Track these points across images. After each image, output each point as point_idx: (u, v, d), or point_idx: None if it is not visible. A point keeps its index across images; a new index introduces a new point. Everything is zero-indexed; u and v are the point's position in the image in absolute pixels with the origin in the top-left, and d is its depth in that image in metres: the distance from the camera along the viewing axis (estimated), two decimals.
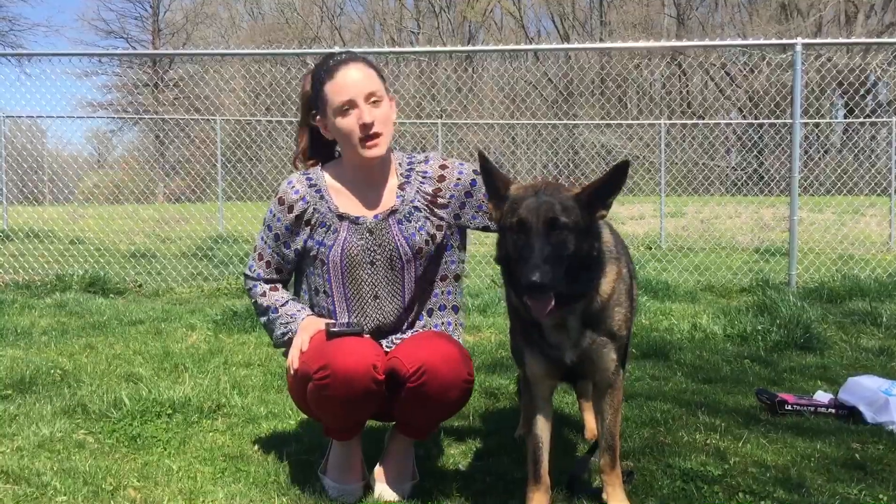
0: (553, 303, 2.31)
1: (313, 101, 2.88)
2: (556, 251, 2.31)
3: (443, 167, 2.92)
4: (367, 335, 2.79)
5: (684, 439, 3.38)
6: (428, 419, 2.80)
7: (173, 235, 14.20)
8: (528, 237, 2.31)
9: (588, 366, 2.62)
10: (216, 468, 3.06)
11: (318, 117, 2.88)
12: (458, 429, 3.56)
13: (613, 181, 2.41)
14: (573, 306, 2.46)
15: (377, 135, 2.75)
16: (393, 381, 2.61)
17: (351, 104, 2.74)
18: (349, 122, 2.74)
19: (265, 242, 2.94)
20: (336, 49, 8.15)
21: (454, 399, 2.67)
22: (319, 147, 2.98)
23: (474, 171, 2.92)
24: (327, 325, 2.70)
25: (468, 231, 3.03)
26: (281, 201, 2.89)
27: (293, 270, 2.98)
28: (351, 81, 2.75)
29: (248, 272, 3.00)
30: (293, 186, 2.89)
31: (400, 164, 2.93)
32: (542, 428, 2.65)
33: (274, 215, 2.90)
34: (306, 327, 2.77)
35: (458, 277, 3.00)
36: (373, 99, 2.76)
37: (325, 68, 2.81)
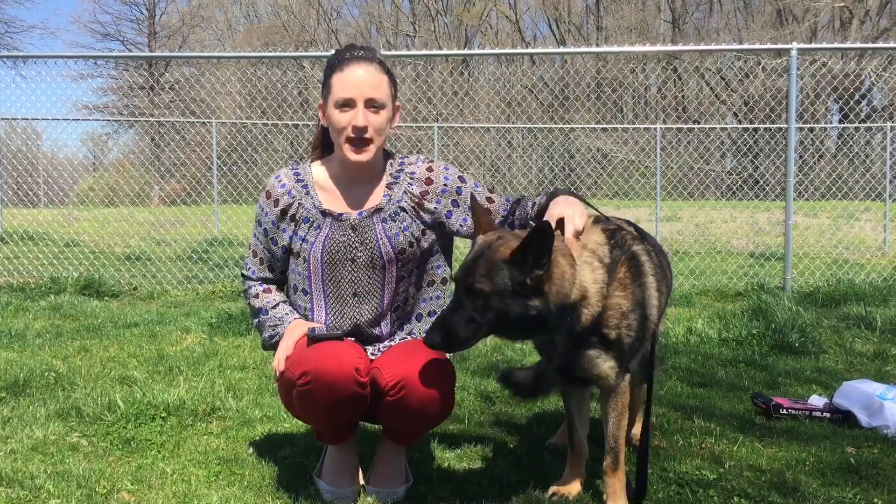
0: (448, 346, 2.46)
1: (322, 87, 2.86)
2: (473, 314, 2.38)
3: (429, 170, 2.90)
4: (350, 339, 2.77)
5: (679, 443, 3.39)
6: (410, 429, 2.79)
7: (168, 238, 14.17)
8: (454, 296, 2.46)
9: (582, 373, 2.66)
10: (210, 471, 3.05)
11: (320, 102, 2.86)
12: (453, 432, 3.55)
13: (535, 244, 2.34)
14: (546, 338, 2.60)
15: (367, 140, 2.73)
16: (375, 389, 2.61)
17: (349, 103, 2.71)
18: (343, 119, 2.72)
19: (257, 239, 2.94)
20: (331, 52, 8.13)
21: (433, 414, 2.65)
22: (327, 144, 2.94)
23: (459, 178, 2.92)
24: (309, 330, 2.69)
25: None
26: (268, 195, 2.88)
27: (284, 271, 2.96)
28: (357, 81, 2.71)
29: (244, 271, 3.00)
30: (280, 180, 2.89)
31: (391, 164, 2.91)
32: (573, 406, 2.91)
33: (262, 209, 2.89)
34: (292, 331, 2.75)
35: (445, 281, 2.98)
36: (373, 105, 2.72)
37: (340, 58, 2.78)
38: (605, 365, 2.62)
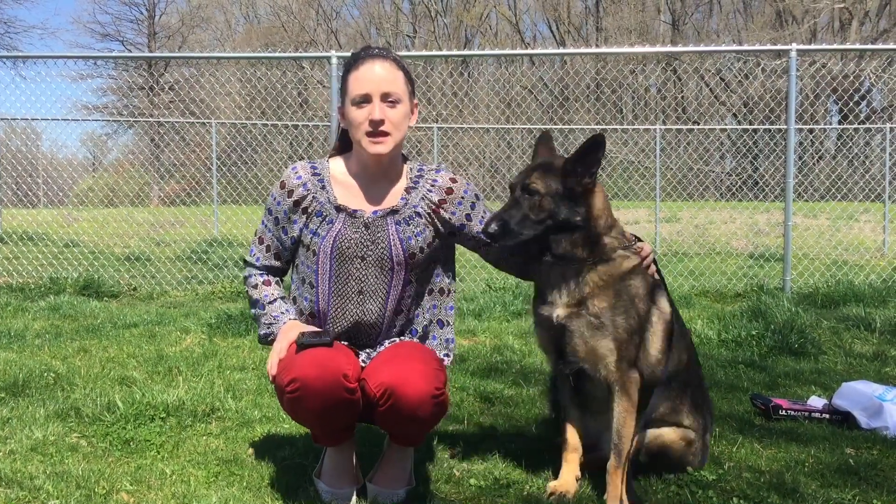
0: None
1: (340, 90, 2.88)
2: (527, 211, 2.69)
3: (453, 181, 2.93)
4: (341, 343, 2.76)
5: None
6: (409, 432, 2.79)
7: (168, 239, 14.18)
8: (510, 198, 2.75)
9: (581, 345, 2.74)
10: (209, 472, 3.05)
11: (339, 106, 2.88)
12: (453, 433, 3.56)
13: (588, 153, 2.70)
14: (562, 266, 2.75)
15: (385, 133, 2.74)
16: (367, 397, 2.60)
17: (366, 98, 2.73)
18: (361, 115, 2.73)
19: (266, 226, 2.94)
20: (333, 52, 8.13)
21: (426, 416, 2.63)
22: (348, 141, 2.95)
23: (476, 195, 2.96)
24: (299, 335, 2.68)
25: (456, 246, 3.05)
26: (282, 185, 2.88)
27: (291, 260, 2.97)
28: (372, 76, 2.74)
29: (248, 257, 3.00)
30: (296, 172, 2.88)
31: (411, 169, 2.93)
32: (566, 399, 2.95)
33: (275, 199, 2.89)
34: (286, 333, 2.74)
35: (443, 291, 3.00)
36: (389, 99, 2.74)
37: (356, 58, 2.81)
38: (603, 345, 2.70)
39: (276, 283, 2.97)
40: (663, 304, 2.91)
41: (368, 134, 2.73)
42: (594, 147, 2.69)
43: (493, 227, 2.68)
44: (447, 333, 3.02)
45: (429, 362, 2.67)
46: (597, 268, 2.74)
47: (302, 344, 2.63)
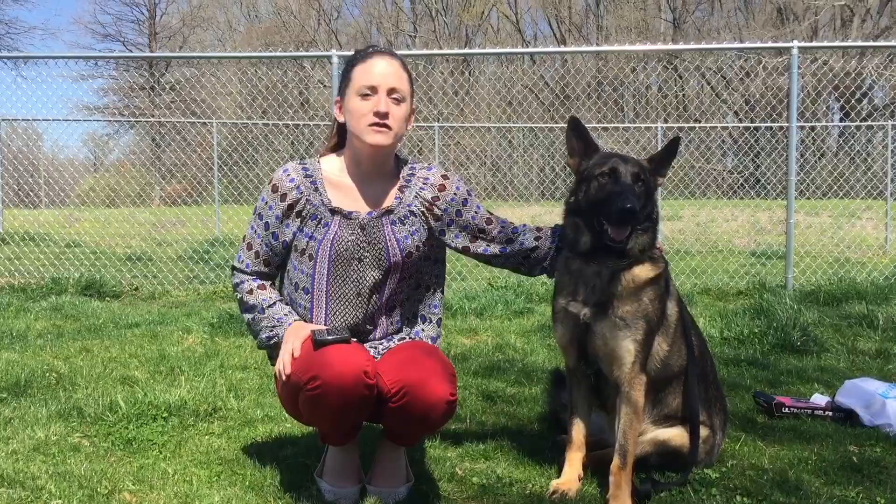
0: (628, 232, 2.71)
1: (340, 83, 2.87)
2: (636, 196, 2.72)
3: (444, 177, 2.93)
4: (354, 340, 2.74)
5: None
6: (412, 433, 2.79)
7: (169, 238, 14.18)
8: (619, 182, 2.72)
9: (602, 346, 2.75)
10: (212, 472, 3.05)
11: (337, 99, 2.87)
12: (455, 431, 3.55)
13: (669, 152, 2.90)
14: (598, 265, 2.76)
15: (388, 126, 2.74)
16: (378, 392, 2.59)
17: (373, 90, 2.73)
18: (365, 106, 2.73)
19: (255, 231, 2.89)
20: (334, 52, 8.14)
21: (436, 419, 2.63)
22: (344, 138, 2.93)
23: (468, 192, 2.97)
24: (313, 332, 2.65)
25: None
26: (274, 188, 2.84)
27: (281, 265, 2.93)
28: (380, 70, 2.75)
29: (236, 263, 2.93)
30: (288, 175, 2.85)
31: (402, 168, 2.93)
32: (578, 396, 2.97)
33: (266, 203, 2.85)
34: (295, 332, 2.71)
35: (432, 289, 3.01)
36: (394, 95, 2.75)
37: (363, 52, 2.83)
38: (623, 346, 2.72)
39: (271, 286, 2.93)
40: (671, 305, 2.93)
41: (372, 124, 2.72)
42: (675, 147, 2.91)
43: (636, 203, 2.67)
44: (438, 331, 3.03)
45: (446, 366, 2.66)
46: (631, 269, 2.76)
47: (321, 341, 2.59)
